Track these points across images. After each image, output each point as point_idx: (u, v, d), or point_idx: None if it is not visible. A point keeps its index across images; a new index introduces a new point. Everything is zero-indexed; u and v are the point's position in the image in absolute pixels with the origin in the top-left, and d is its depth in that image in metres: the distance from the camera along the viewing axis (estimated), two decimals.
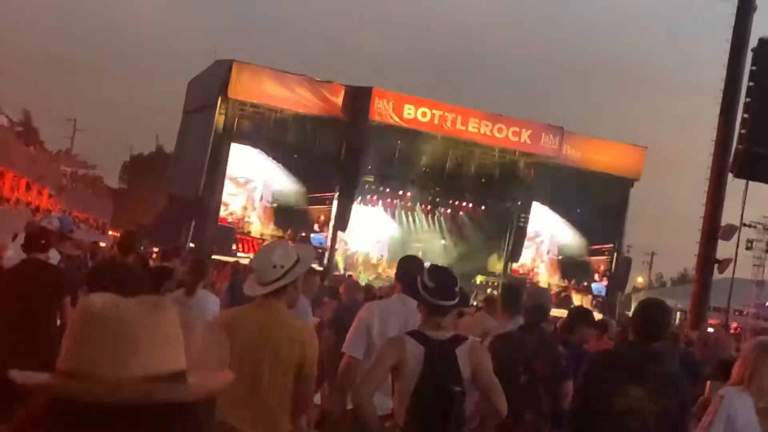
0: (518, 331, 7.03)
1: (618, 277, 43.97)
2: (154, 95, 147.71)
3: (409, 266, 6.71)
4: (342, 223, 39.98)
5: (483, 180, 42.83)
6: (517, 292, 8.33)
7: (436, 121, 40.89)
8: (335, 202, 40.15)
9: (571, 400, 5.90)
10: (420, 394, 4.88)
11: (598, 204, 42.11)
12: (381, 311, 6.38)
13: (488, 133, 41.62)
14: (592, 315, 9.22)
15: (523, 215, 42.75)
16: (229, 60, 39.68)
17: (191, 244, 37.31)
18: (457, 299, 5.20)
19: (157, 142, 79.65)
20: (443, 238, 44.98)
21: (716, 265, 20.87)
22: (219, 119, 39.30)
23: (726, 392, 5.68)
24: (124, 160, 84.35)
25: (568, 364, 6.60)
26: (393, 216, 44.63)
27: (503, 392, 5.10)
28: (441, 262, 44.52)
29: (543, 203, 43.19)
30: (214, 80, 40.27)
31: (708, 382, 6.06)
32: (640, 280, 74.40)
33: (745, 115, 20.15)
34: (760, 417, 5.58)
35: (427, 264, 6.44)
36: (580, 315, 8.76)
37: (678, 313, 37.81)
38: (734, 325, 51.45)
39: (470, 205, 43.96)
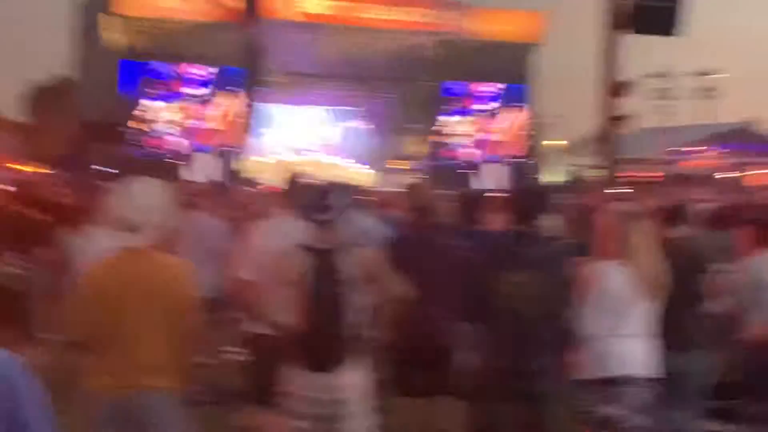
0: (408, 230, 7.16)
1: (532, 144, 44.42)
2: (39, 17, 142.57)
3: (292, 185, 6.79)
4: (253, 129, 39.55)
5: (391, 66, 42.71)
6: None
7: (337, 12, 40.60)
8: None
9: (461, 292, 6.07)
10: (308, 302, 5.06)
11: (503, 74, 42.38)
12: (267, 231, 6.47)
13: (389, 18, 41.48)
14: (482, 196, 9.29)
15: (432, 95, 42.82)
16: None
17: (115, 171, 36.88)
18: (333, 212, 5.31)
19: (53, 69, 77.59)
20: (358, 129, 45.04)
21: (618, 122, 21.17)
22: (112, 37, 38.45)
23: (595, 265, 5.89)
24: (20, 92, 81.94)
25: (466, 253, 6.73)
26: (305, 113, 44.41)
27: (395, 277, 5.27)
28: (358, 152, 44.71)
29: (453, 80, 43.26)
30: None
31: (579, 258, 6.24)
32: (553, 143, 75.12)
33: None
34: (634, 282, 5.79)
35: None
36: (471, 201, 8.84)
37: (598, 170, 38.34)
38: (650, 174, 52.49)
39: (380, 91, 43.84)
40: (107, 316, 4.90)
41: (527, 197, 6.02)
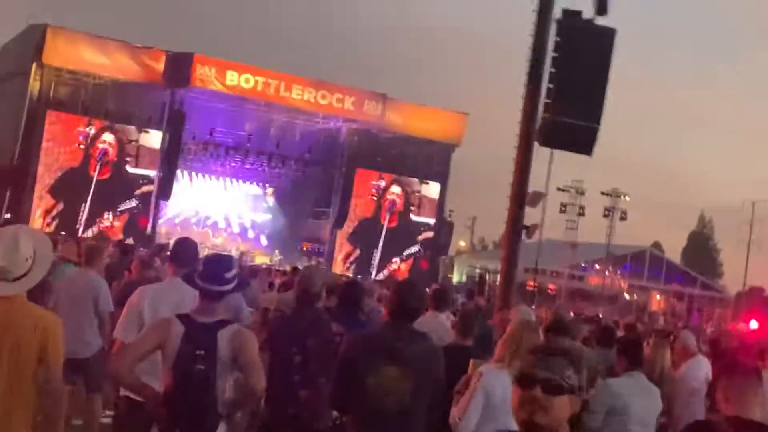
0: (292, 312, 7.14)
1: (440, 242, 44.84)
2: None
3: (181, 249, 6.71)
4: (165, 192, 39.43)
5: (307, 147, 42.99)
6: None
7: (259, 88, 40.71)
8: (156, 172, 39.44)
9: (332, 379, 5.97)
10: (172, 373, 4.98)
11: (421, 170, 42.95)
12: (153, 296, 6.36)
13: (312, 100, 41.70)
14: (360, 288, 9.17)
15: (346, 182, 42.98)
16: (44, 24, 38.41)
17: (7, 215, 36.19)
18: (230, 285, 5.27)
19: None
20: (269, 206, 45.06)
21: (525, 231, 21.34)
22: (34, 86, 38.12)
23: (485, 370, 5.90)
24: None
25: (343, 340, 6.70)
26: (219, 183, 44.35)
27: (263, 371, 5.22)
28: (268, 230, 44.69)
29: (367, 169, 43.52)
30: (28, 45, 38.95)
31: (471, 360, 6.25)
32: (462, 243, 76.30)
33: (550, 85, 20.66)
34: None
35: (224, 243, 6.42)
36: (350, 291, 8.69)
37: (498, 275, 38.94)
38: (551, 286, 53.38)
39: (294, 171, 43.99)
40: None
41: (408, 292, 5.97)
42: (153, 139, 39.51)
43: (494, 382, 5.85)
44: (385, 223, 44.19)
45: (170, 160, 39.02)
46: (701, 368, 10.03)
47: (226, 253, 7.18)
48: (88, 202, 38.36)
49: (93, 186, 38.54)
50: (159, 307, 6.19)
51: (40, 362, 4.78)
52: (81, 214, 38.28)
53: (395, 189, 44.42)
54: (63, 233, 30.92)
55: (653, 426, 7.41)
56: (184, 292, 5.92)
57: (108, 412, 9.89)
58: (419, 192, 44.59)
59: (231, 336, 5.10)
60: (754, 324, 25.47)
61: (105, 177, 38.92)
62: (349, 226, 43.49)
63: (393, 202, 44.45)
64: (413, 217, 44.72)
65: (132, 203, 39.30)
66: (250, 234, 44.55)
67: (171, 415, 4.98)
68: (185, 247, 6.75)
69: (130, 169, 39.46)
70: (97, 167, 38.75)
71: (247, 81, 40.41)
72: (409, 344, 5.69)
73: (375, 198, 44.15)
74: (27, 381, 4.78)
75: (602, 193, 58.51)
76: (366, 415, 5.61)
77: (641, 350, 7.42)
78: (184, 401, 4.95)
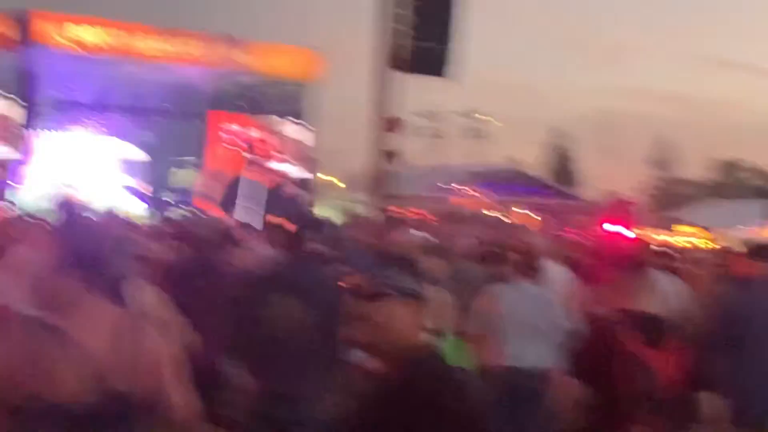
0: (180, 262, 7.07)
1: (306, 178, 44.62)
2: None
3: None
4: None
5: (165, 98, 42.05)
6: None
7: (108, 42, 39.66)
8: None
9: (228, 314, 5.91)
10: None
11: (278, 109, 42.53)
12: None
13: (162, 50, 40.83)
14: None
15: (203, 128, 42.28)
16: None
17: None
18: None
19: None
20: (134, 162, 44.05)
21: (391, 158, 21.76)
22: None
23: None
24: None
25: (234, 277, 6.72)
26: (79, 144, 43.05)
27: None
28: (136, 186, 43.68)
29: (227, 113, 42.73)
30: None
31: None
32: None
33: (402, 11, 20.93)
34: None
35: None
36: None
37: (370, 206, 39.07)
38: (418, 210, 53.79)
39: (151, 124, 42.96)
40: None
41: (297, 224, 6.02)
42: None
43: None
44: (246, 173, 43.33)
45: (28, 123, 37.69)
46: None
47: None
48: None
49: None
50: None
51: None
52: None
53: (254, 132, 43.58)
54: None
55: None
56: None
57: None
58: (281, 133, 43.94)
59: None
60: (611, 227, 26.30)
61: None
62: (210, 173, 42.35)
63: (251, 146, 43.66)
64: (274, 164, 43.92)
65: None
66: (116, 188, 43.32)
67: None
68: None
69: None
70: None
71: (96, 36, 39.36)
72: (300, 273, 5.70)
73: (231, 144, 43.34)
74: None
75: (461, 115, 59.19)
76: (261, 346, 5.58)
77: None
78: None
